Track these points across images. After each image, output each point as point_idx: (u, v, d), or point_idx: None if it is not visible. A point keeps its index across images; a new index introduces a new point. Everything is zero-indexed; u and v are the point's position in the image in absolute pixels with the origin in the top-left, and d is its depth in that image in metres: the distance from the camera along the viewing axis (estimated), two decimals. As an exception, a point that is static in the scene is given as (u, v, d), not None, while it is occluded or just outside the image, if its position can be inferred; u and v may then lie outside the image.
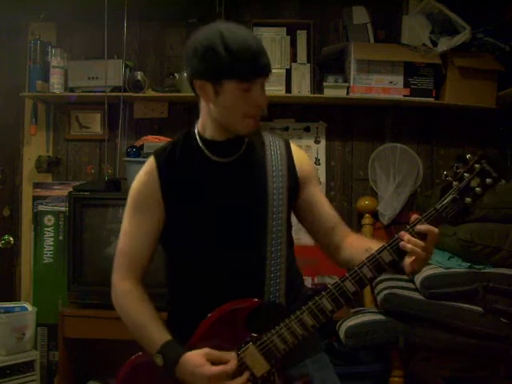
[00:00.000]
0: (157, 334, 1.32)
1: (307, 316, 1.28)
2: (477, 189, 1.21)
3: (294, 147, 1.51)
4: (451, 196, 1.22)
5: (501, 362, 2.35)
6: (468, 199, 1.21)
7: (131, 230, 1.42)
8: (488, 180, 1.21)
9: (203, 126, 1.43)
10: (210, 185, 1.41)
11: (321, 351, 1.48)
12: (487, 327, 2.26)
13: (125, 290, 1.40)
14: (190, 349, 1.30)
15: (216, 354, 1.28)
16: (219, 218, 1.39)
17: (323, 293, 1.28)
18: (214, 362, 1.27)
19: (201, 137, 1.43)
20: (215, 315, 1.33)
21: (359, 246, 1.39)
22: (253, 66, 1.29)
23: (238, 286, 1.35)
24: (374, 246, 1.30)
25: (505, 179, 1.23)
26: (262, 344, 1.30)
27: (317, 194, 1.50)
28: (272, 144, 1.47)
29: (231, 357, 1.28)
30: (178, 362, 1.28)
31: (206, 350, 1.28)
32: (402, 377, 2.42)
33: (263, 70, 1.32)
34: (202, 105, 1.41)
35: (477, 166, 1.21)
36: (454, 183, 1.22)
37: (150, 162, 1.43)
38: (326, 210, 1.49)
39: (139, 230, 1.41)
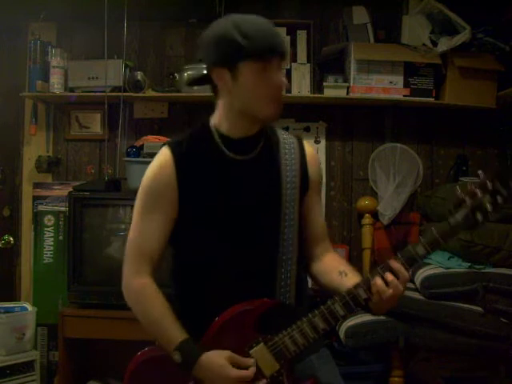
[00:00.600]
0: (175, 330, 1.32)
1: (319, 319, 1.30)
2: (488, 206, 1.24)
3: (307, 147, 1.51)
4: (463, 212, 1.26)
5: (501, 362, 2.35)
6: (479, 216, 1.25)
7: (144, 224, 1.39)
8: (499, 198, 1.24)
9: (219, 121, 1.42)
10: (226, 182, 1.40)
11: (323, 346, 1.50)
12: (487, 327, 2.26)
13: (139, 286, 1.38)
14: (203, 347, 1.31)
15: (237, 358, 1.29)
16: (233, 216, 1.39)
17: (336, 297, 1.30)
18: (234, 365, 1.28)
19: (217, 131, 1.42)
20: (227, 314, 1.34)
21: (335, 267, 1.44)
22: (267, 44, 1.31)
23: (249, 287, 1.36)
24: (349, 270, 1.42)
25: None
26: (273, 345, 1.31)
27: (316, 202, 1.52)
28: (286, 142, 1.48)
29: (251, 362, 1.29)
30: (197, 360, 1.28)
31: (228, 352, 1.29)
32: (402, 377, 2.42)
33: (278, 48, 1.33)
34: (220, 100, 1.40)
35: (489, 184, 1.25)
36: (467, 199, 1.26)
37: (166, 155, 1.40)
38: (320, 220, 1.53)
39: (152, 225, 1.38)
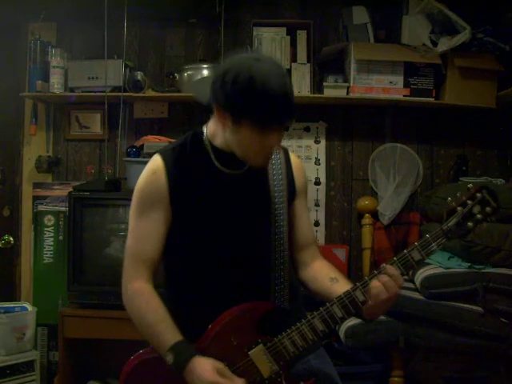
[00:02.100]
0: (168, 333, 1.32)
1: (318, 321, 1.32)
2: (478, 215, 1.33)
3: (292, 157, 1.55)
4: (455, 219, 1.33)
5: (501, 362, 2.35)
6: (470, 224, 1.33)
7: (139, 230, 1.41)
8: (488, 209, 1.33)
9: (213, 134, 1.42)
10: (217, 195, 1.41)
11: (320, 346, 1.51)
12: (487, 327, 2.26)
13: (135, 290, 1.39)
14: (200, 348, 1.31)
15: (226, 370, 1.28)
16: (224, 228, 1.40)
17: (334, 299, 1.33)
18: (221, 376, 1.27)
19: (210, 143, 1.42)
20: (226, 317, 1.34)
21: (326, 273, 1.46)
22: (274, 115, 1.28)
23: (243, 294, 1.36)
24: (340, 276, 1.44)
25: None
26: (272, 346, 1.32)
27: (303, 209, 1.54)
28: (274, 154, 1.48)
29: (240, 380, 1.28)
30: (188, 363, 1.28)
31: (218, 363, 1.28)
32: (402, 377, 2.42)
33: (282, 121, 1.32)
34: (217, 118, 1.39)
35: (478, 194, 1.33)
36: (458, 208, 1.34)
37: (157, 162, 1.41)
38: (307, 226, 1.55)
39: (147, 231, 1.39)
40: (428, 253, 1.32)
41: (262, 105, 1.25)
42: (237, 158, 1.41)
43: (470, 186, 1.35)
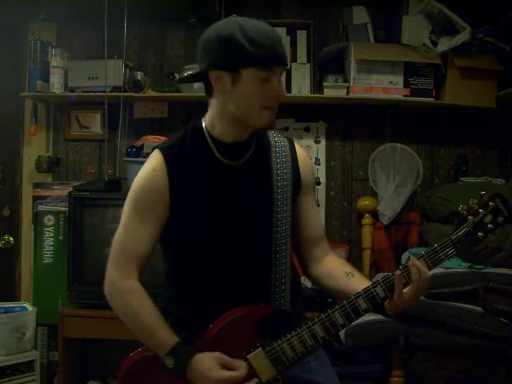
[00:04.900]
0: (166, 335, 1.31)
1: (318, 327, 1.30)
2: (489, 225, 1.30)
3: (298, 148, 1.50)
4: (465, 229, 1.30)
5: (501, 362, 2.35)
6: (480, 234, 1.30)
7: (133, 226, 1.37)
8: (500, 218, 1.30)
9: (211, 123, 1.39)
10: (219, 188, 1.38)
11: (320, 347, 1.50)
12: (487, 327, 2.26)
13: (128, 288, 1.36)
14: (200, 349, 1.30)
15: (227, 359, 1.29)
16: (226, 222, 1.38)
17: (336, 306, 1.30)
18: (224, 367, 1.28)
19: (209, 134, 1.40)
20: (225, 319, 1.33)
21: (341, 268, 1.44)
22: (272, 54, 1.29)
23: (243, 292, 1.35)
24: (355, 271, 1.43)
25: None
26: (271, 350, 1.31)
27: (311, 202, 1.51)
28: (278, 145, 1.46)
29: (242, 364, 1.29)
30: (188, 364, 1.27)
31: (218, 354, 1.29)
32: (402, 377, 2.42)
33: (282, 59, 1.33)
34: (214, 100, 1.38)
35: (491, 203, 1.30)
36: (469, 217, 1.31)
37: (158, 158, 1.37)
38: (316, 220, 1.52)
39: (143, 227, 1.36)
40: (435, 263, 1.30)
41: (257, 43, 1.26)
42: (237, 147, 1.39)
43: (482, 193, 1.32)
